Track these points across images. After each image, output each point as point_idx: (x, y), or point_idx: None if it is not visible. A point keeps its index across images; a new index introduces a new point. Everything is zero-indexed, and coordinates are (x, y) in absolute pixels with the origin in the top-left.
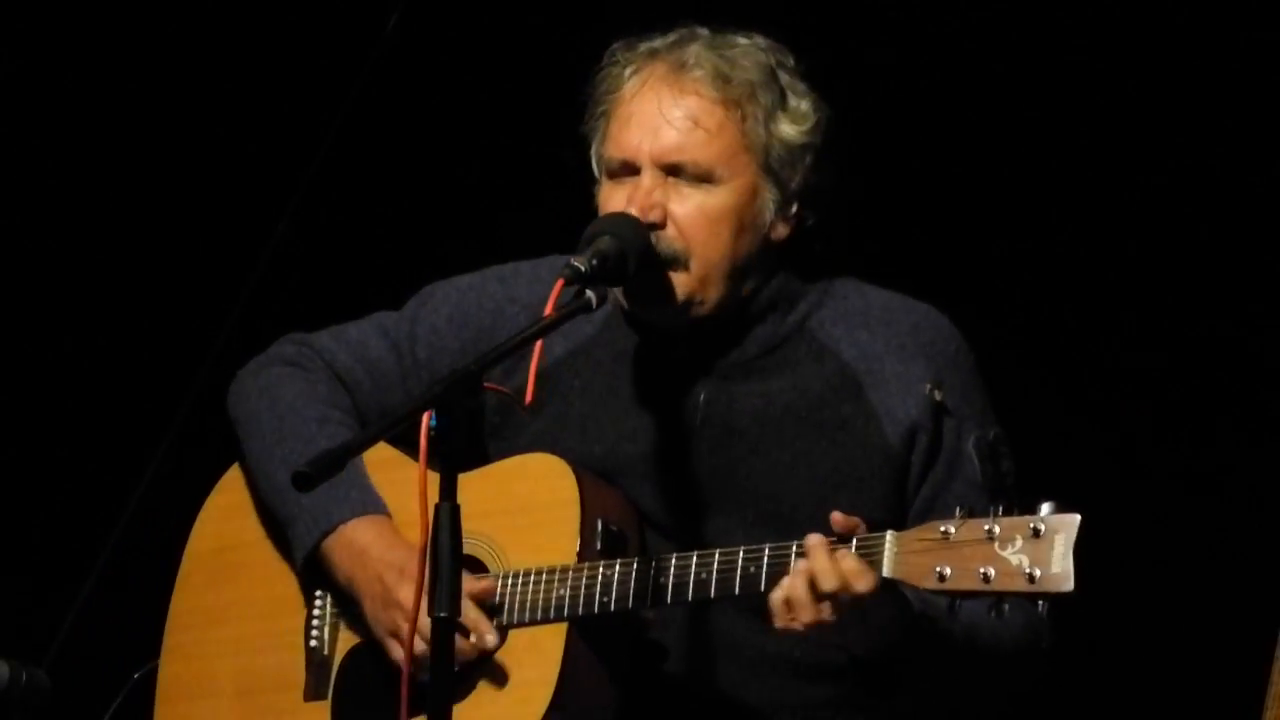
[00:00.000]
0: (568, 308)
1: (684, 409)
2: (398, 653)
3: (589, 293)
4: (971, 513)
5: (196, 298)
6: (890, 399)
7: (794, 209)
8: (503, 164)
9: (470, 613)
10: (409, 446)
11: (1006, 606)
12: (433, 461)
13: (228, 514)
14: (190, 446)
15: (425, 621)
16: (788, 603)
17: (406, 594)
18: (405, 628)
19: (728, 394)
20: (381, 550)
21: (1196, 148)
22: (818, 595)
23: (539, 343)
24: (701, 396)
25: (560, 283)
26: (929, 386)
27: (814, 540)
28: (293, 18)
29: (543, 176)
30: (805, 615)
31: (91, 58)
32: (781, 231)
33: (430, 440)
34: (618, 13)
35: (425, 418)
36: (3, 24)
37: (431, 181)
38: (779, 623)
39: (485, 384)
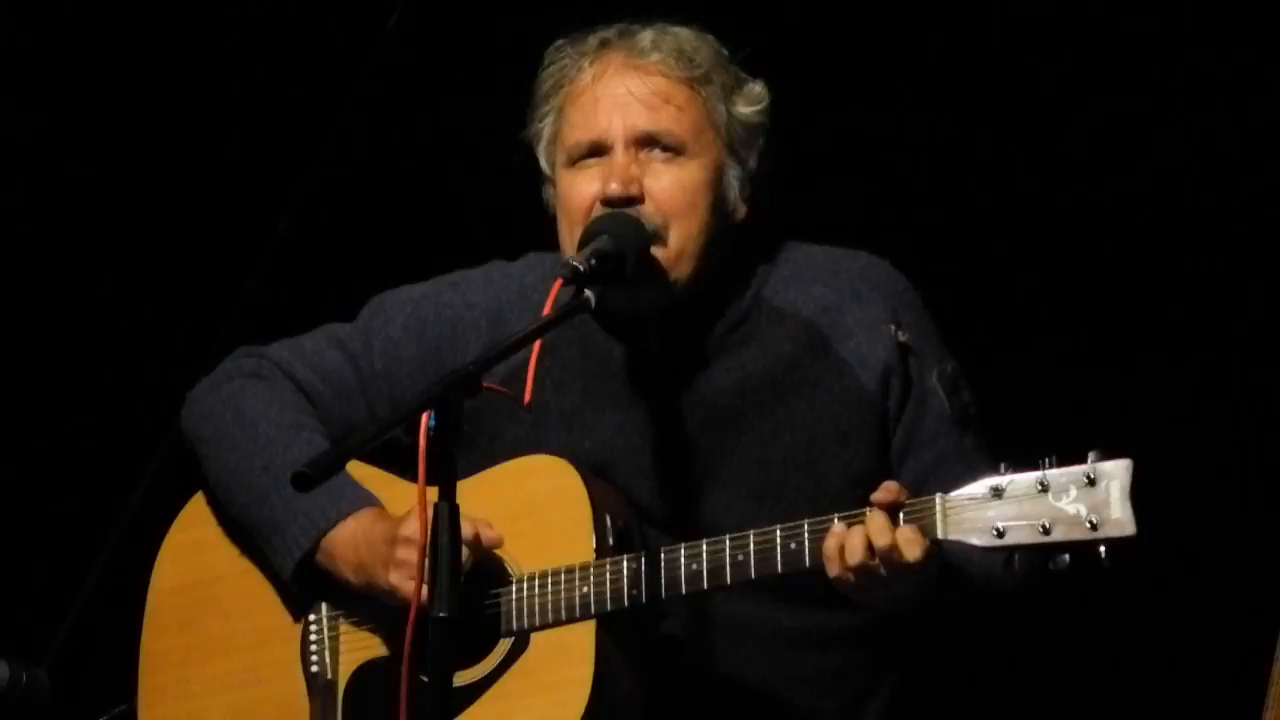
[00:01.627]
0: (566, 307)
1: (665, 396)
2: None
3: (588, 292)
4: (1016, 468)
5: (197, 298)
6: (860, 347)
7: (749, 191)
8: (502, 163)
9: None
10: (386, 464)
11: (1065, 557)
12: (398, 470)
13: (192, 550)
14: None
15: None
16: (842, 550)
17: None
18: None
19: (704, 375)
20: (384, 526)
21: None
22: (871, 550)
23: (537, 343)
24: (679, 381)
25: (559, 282)
26: (892, 327)
27: (876, 509)
28: (293, 18)
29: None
30: (855, 558)
31: (92, 57)
32: (741, 213)
33: (429, 440)
34: (616, 12)
35: (425, 418)
36: (3, 24)
37: (431, 181)
38: (832, 570)
39: (485, 384)
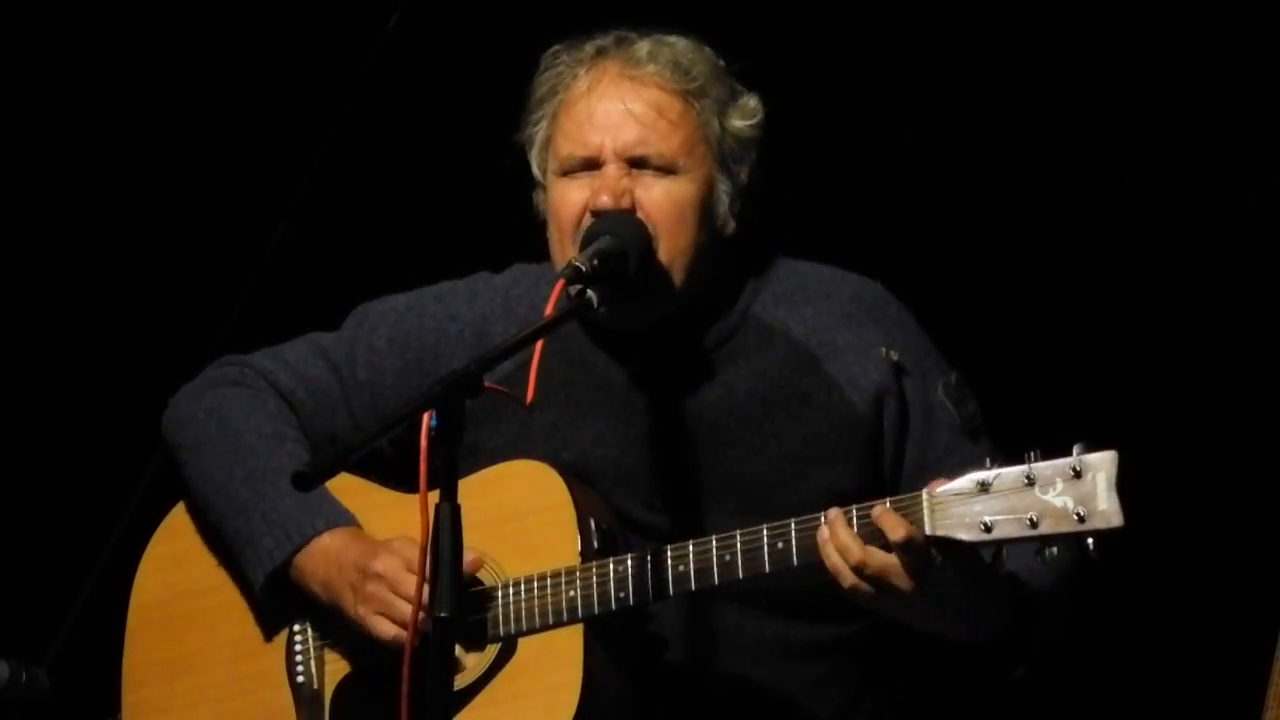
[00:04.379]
0: (569, 307)
1: (650, 409)
2: (386, 628)
3: (590, 292)
4: (1002, 462)
5: (197, 298)
6: (850, 367)
7: (739, 206)
8: (502, 164)
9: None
10: (368, 472)
11: (1054, 549)
12: (373, 475)
13: (172, 562)
14: None
15: (408, 584)
16: (840, 549)
17: (384, 564)
18: (389, 597)
19: (690, 390)
20: (357, 549)
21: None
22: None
23: (539, 343)
24: (668, 395)
25: (561, 283)
26: (884, 349)
27: (834, 511)
28: (293, 18)
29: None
30: (854, 557)
31: (92, 57)
32: (731, 228)
33: (430, 440)
34: (617, 13)
35: (425, 418)
36: (3, 24)
37: (431, 181)
38: (845, 583)
39: (486, 384)
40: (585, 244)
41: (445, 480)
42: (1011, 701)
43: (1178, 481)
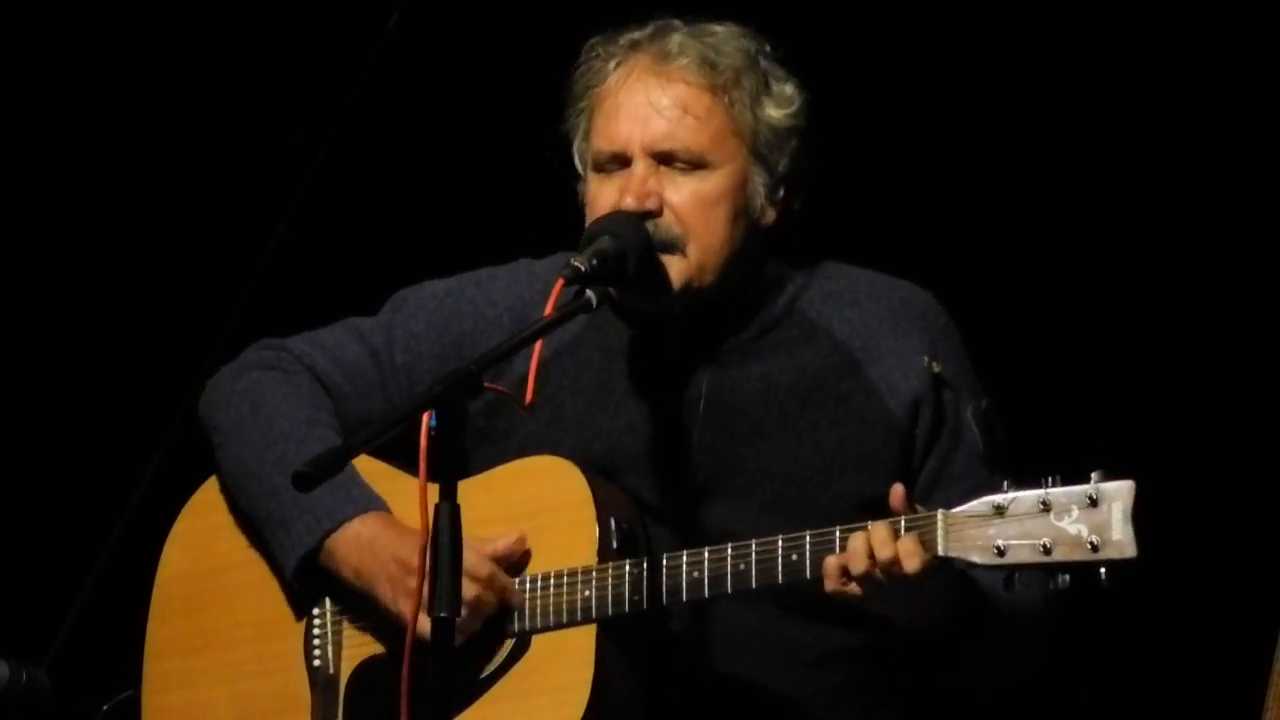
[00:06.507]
0: (568, 307)
1: (685, 398)
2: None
3: (589, 292)
4: (1019, 485)
5: (197, 298)
6: (891, 373)
7: (781, 193)
8: (504, 163)
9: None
10: (393, 459)
11: (1065, 577)
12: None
13: (200, 538)
14: (189, 445)
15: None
16: (844, 566)
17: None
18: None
19: (729, 380)
20: (391, 538)
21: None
22: (872, 561)
23: (539, 342)
24: (704, 384)
25: (560, 282)
26: (927, 359)
27: (879, 522)
28: (293, 18)
29: (544, 175)
30: (859, 567)
31: (92, 57)
32: (770, 216)
33: (430, 440)
34: (618, 11)
35: (425, 418)
36: (3, 23)
37: (432, 181)
38: (831, 585)
39: (485, 384)
40: (585, 244)
41: (445, 480)
42: (1014, 700)
43: (1177, 481)
